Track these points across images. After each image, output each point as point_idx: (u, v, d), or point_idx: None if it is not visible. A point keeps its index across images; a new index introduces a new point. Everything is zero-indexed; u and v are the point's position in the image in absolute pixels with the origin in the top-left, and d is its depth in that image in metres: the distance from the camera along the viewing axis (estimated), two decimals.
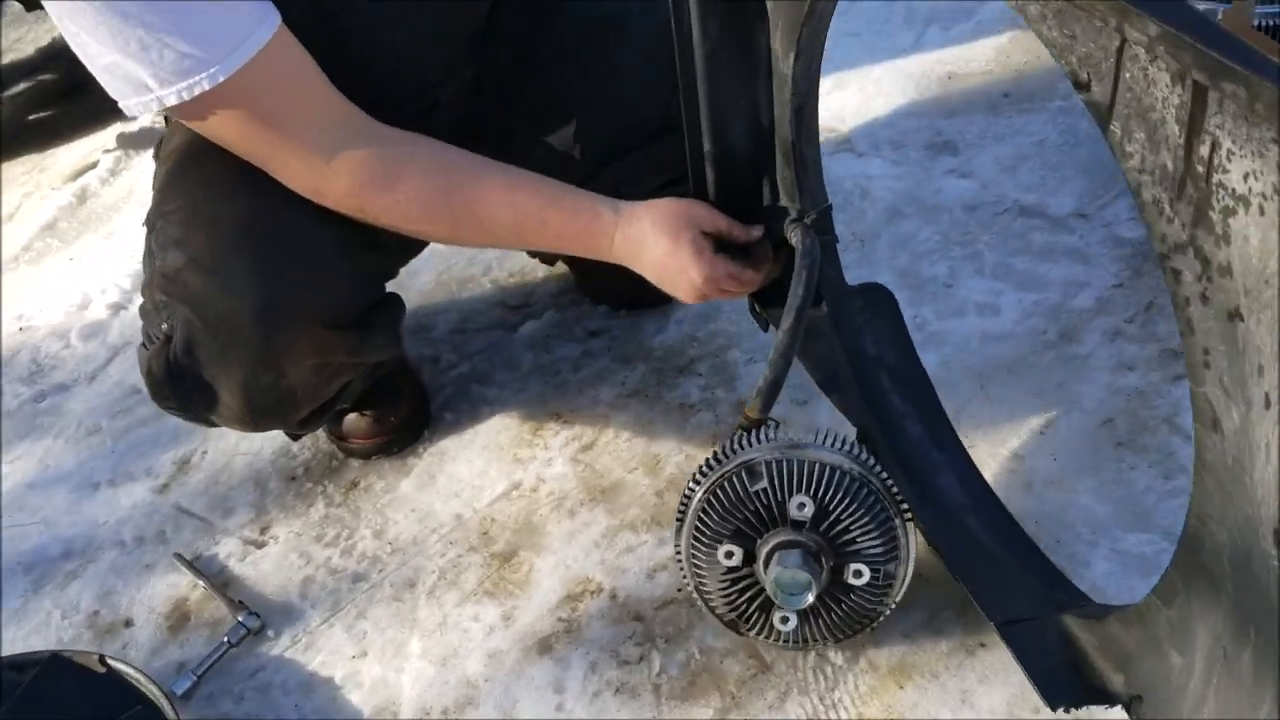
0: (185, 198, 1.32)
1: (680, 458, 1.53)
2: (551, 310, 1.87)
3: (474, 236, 1.33)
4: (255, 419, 1.37)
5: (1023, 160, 1.93)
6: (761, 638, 1.21)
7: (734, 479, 1.14)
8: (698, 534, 1.16)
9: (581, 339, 1.80)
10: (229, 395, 1.33)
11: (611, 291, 1.83)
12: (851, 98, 2.23)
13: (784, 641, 1.20)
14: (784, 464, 1.13)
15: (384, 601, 1.44)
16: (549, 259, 1.87)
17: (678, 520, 1.18)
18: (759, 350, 1.67)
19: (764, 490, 1.13)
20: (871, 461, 1.14)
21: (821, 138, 2.08)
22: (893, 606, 1.17)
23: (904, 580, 1.16)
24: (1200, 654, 0.81)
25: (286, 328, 1.30)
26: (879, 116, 2.14)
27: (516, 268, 2.01)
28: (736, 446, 1.15)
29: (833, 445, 1.14)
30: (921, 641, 1.22)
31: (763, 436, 1.15)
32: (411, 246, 1.49)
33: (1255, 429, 0.66)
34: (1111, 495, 1.32)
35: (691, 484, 1.16)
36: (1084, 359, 1.52)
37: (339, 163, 1.22)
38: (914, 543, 1.15)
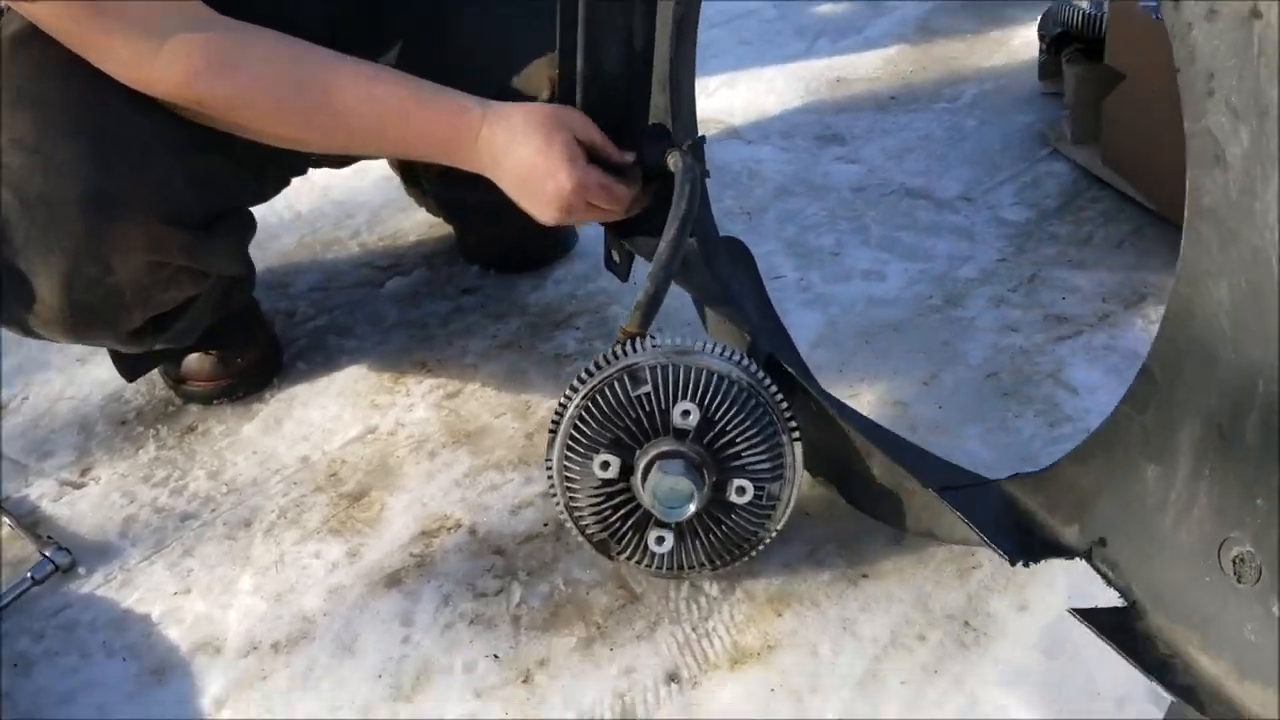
0: (10, 80, 1.19)
1: (554, 403, 1.43)
2: (422, 269, 1.77)
3: (329, 136, 1.21)
4: (77, 320, 1.22)
5: (909, 151, 1.93)
6: (633, 562, 1.11)
7: (615, 384, 1.05)
8: (572, 443, 1.07)
9: (453, 296, 1.70)
10: (48, 290, 1.18)
11: (490, 250, 1.74)
12: (741, 95, 2.21)
13: (657, 566, 1.10)
14: (669, 369, 1.04)
15: (214, 540, 1.30)
16: (419, 188, 1.76)
17: (550, 431, 1.08)
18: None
19: (646, 395, 1.04)
20: (761, 375, 1.07)
21: (710, 127, 2.07)
22: (775, 532, 1.09)
23: (788, 503, 1.08)
24: (1186, 450, 0.74)
25: (116, 215, 1.17)
26: (769, 112, 2.13)
27: (387, 231, 1.90)
28: (619, 352, 1.07)
29: (721, 354, 1.06)
30: (802, 572, 1.14)
31: (646, 345, 1.07)
32: (268, 164, 1.37)
33: (1270, 140, 0.62)
34: (997, 441, 1.28)
35: (568, 392, 1.07)
36: (969, 321, 1.49)
37: (171, 49, 1.10)
38: (800, 464, 1.08)
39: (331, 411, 1.49)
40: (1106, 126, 1.74)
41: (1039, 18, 1.99)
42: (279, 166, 1.42)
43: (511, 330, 1.60)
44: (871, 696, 1.01)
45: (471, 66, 1.28)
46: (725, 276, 1.27)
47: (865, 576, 1.12)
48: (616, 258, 1.33)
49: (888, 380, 1.39)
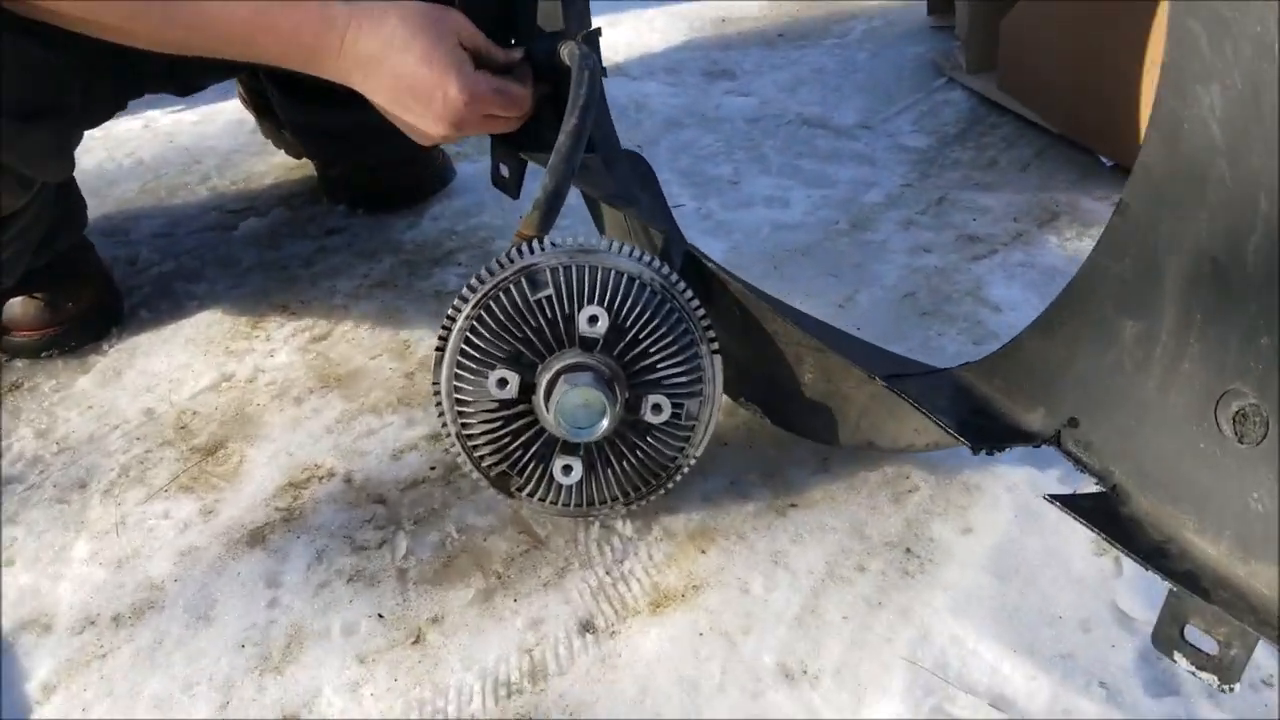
0: None
1: (436, 340, 1.29)
2: (281, 209, 1.60)
3: (162, 29, 0.99)
4: None
5: (802, 83, 1.84)
6: (536, 499, 0.98)
7: (511, 289, 0.92)
8: (464, 360, 0.93)
9: (316, 236, 1.53)
10: None
11: (357, 185, 1.58)
12: (624, 34, 2.09)
13: (564, 502, 0.97)
14: (573, 270, 0.92)
15: (43, 504, 1.11)
16: (274, 120, 1.58)
17: (438, 349, 0.94)
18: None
19: (548, 300, 0.91)
20: (675, 278, 0.95)
21: None
22: (694, 459, 0.98)
23: (708, 424, 0.97)
24: (1173, 295, 0.64)
25: None
26: (654, 50, 2.02)
27: (240, 175, 1.72)
28: (514, 255, 0.93)
29: (631, 254, 0.94)
30: (724, 505, 1.02)
31: (545, 246, 0.94)
32: (97, 75, 1.18)
33: None
34: (921, 359, 1.18)
35: (456, 302, 0.94)
36: (880, 244, 1.40)
37: None
38: (720, 379, 0.96)
39: (180, 360, 1.31)
40: (1003, 51, 1.68)
41: None
42: (113, 77, 1.23)
43: (385, 269, 1.45)
44: (811, 634, 0.90)
45: None
46: (628, 182, 1.15)
47: (794, 506, 1.01)
48: (505, 171, 1.20)
49: (799, 304, 1.28)
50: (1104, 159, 1.51)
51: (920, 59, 1.87)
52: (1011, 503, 0.99)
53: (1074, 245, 1.36)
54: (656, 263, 0.95)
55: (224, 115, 1.89)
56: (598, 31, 1.10)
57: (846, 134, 1.66)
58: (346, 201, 1.59)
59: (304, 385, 1.24)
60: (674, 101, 1.80)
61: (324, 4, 1.00)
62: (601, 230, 1.21)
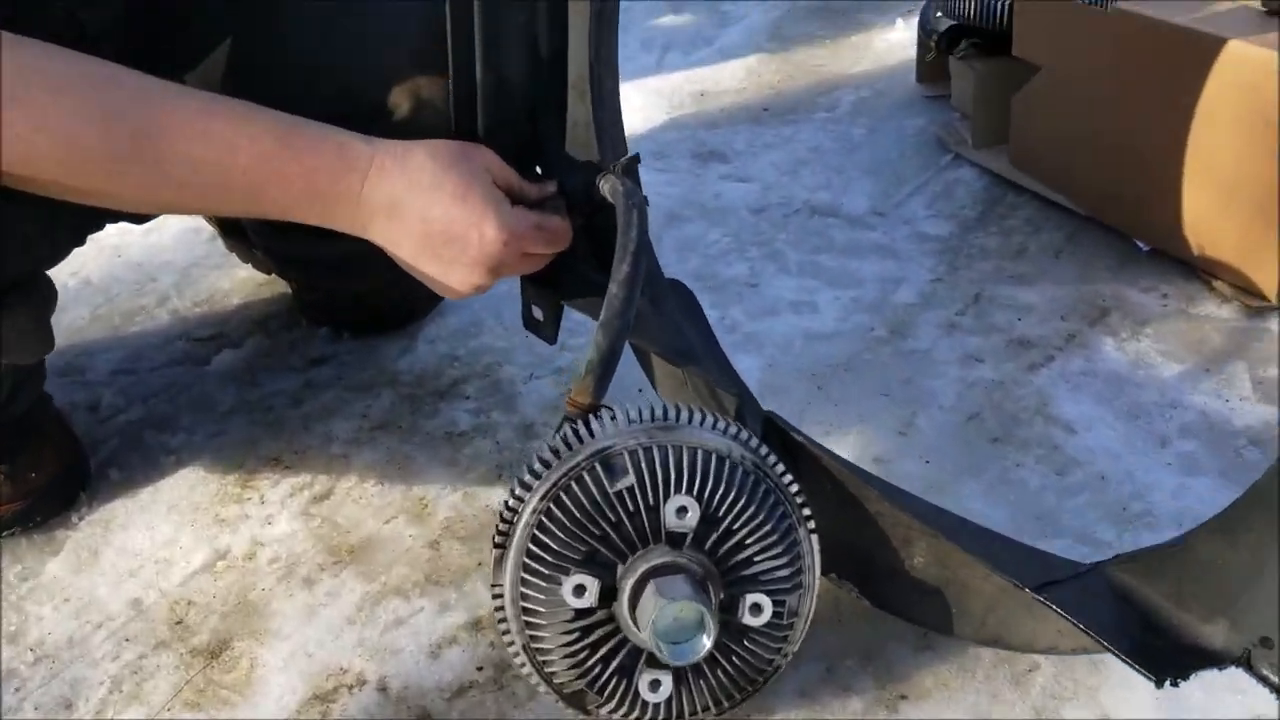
0: None
1: (456, 497, 1.16)
2: (257, 336, 1.45)
3: (150, 189, 0.86)
4: None
5: (801, 165, 1.74)
6: (618, 716, 0.85)
7: (585, 476, 0.79)
8: (532, 563, 0.80)
9: (301, 368, 1.39)
10: None
11: (340, 307, 1.44)
12: None
13: (650, 718, 0.85)
14: (654, 452, 0.79)
15: None
16: (243, 241, 1.43)
17: (496, 548, 0.82)
18: (541, 364, 1.34)
19: (629, 491, 0.79)
20: (765, 451, 0.83)
21: None
22: (790, 655, 0.86)
23: (807, 617, 0.85)
24: None
25: None
26: (637, 131, 1.90)
27: (203, 294, 1.57)
28: (579, 433, 0.81)
29: (715, 426, 0.82)
30: (825, 700, 0.91)
31: (616, 421, 0.82)
32: (59, 217, 1.04)
33: None
34: (1004, 498, 1.08)
35: (517, 490, 0.81)
36: (925, 354, 1.30)
37: None
38: (818, 563, 0.85)
39: (163, 533, 1.16)
40: (1015, 126, 1.60)
41: (919, 13, 1.84)
42: (72, 218, 1.08)
43: (384, 407, 1.31)
44: None
45: (305, 71, 1.00)
46: (679, 327, 1.03)
47: (904, 698, 0.90)
48: (539, 315, 1.07)
49: (856, 432, 1.18)
50: (1139, 244, 1.43)
51: (921, 133, 1.79)
52: (1145, 682, 0.88)
53: (1133, 347, 1.27)
54: (744, 434, 0.83)
55: (175, 223, 1.74)
56: (637, 159, 0.98)
57: (861, 223, 1.56)
58: (329, 324, 1.45)
59: (312, 561, 1.10)
60: (670, 191, 1.69)
61: (340, 142, 0.87)
62: (653, 382, 1.09)
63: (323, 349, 1.42)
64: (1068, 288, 1.39)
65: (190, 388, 1.37)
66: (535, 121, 0.99)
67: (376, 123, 0.96)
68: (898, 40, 2.14)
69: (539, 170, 1.01)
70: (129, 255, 1.67)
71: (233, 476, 1.22)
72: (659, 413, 0.82)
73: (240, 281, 1.58)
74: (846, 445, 1.17)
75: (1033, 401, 1.21)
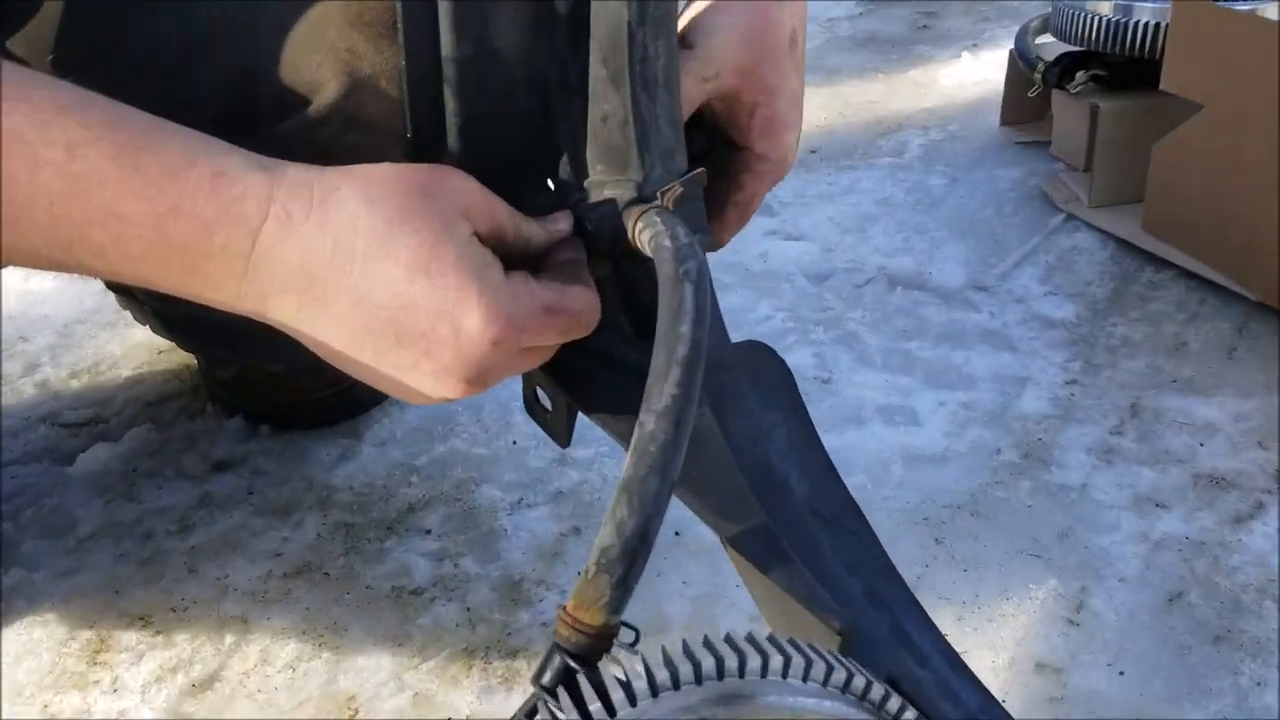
0: None
1: (401, 700, 0.77)
2: (143, 424, 1.06)
3: None
4: None
5: (869, 222, 1.37)
6: None
7: None
8: None
9: (197, 476, 1.00)
10: None
11: (256, 391, 1.05)
12: None
13: None
14: None
15: None
16: (134, 298, 1.05)
17: None
18: (533, 485, 0.95)
19: None
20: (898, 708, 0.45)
21: None
22: None
23: None
24: None
25: None
26: None
27: (84, 361, 1.18)
28: (581, 708, 0.42)
29: (814, 680, 0.44)
30: None
31: (633, 676, 0.43)
32: None
33: None
34: None
35: None
36: (1081, 493, 0.92)
37: None
38: None
39: None
40: (1155, 182, 1.24)
41: (1014, 39, 1.49)
42: None
43: (307, 541, 0.91)
44: None
45: (169, 19, 0.61)
46: (758, 443, 0.64)
47: None
48: (547, 403, 0.68)
49: (1003, 617, 0.80)
50: None
51: (1018, 186, 1.42)
52: None
53: None
54: (857, 680, 0.45)
55: None
56: (701, 176, 0.59)
57: (959, 299, 1.19)
58: (243, 412, 1.06)
59: None
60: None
61: (220, 168, 0.49)
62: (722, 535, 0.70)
63: (230, 448, 1.03)
64: (1257, 400, 1.02)
65: (45, 496, 0.98)
66: (541, 116, 0.60)
67: (283, 113, 0.58)
68: (966, 75, 1.79)
69: (550, 184, 0.62)
70: None
71: (78, 643, 0.83)
72: (721, 664, 0.43)
73: (134, 347, 1.19)
74: (993, 635, 0.78)
75: (1255, 576, 0.83)
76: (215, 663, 0.81)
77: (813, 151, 1.58)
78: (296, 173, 0.49)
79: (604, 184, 0.56)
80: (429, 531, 0.91)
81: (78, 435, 1.07)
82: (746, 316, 1.18)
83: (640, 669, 0.43)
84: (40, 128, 0.46)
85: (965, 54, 1.87)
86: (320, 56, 0.59)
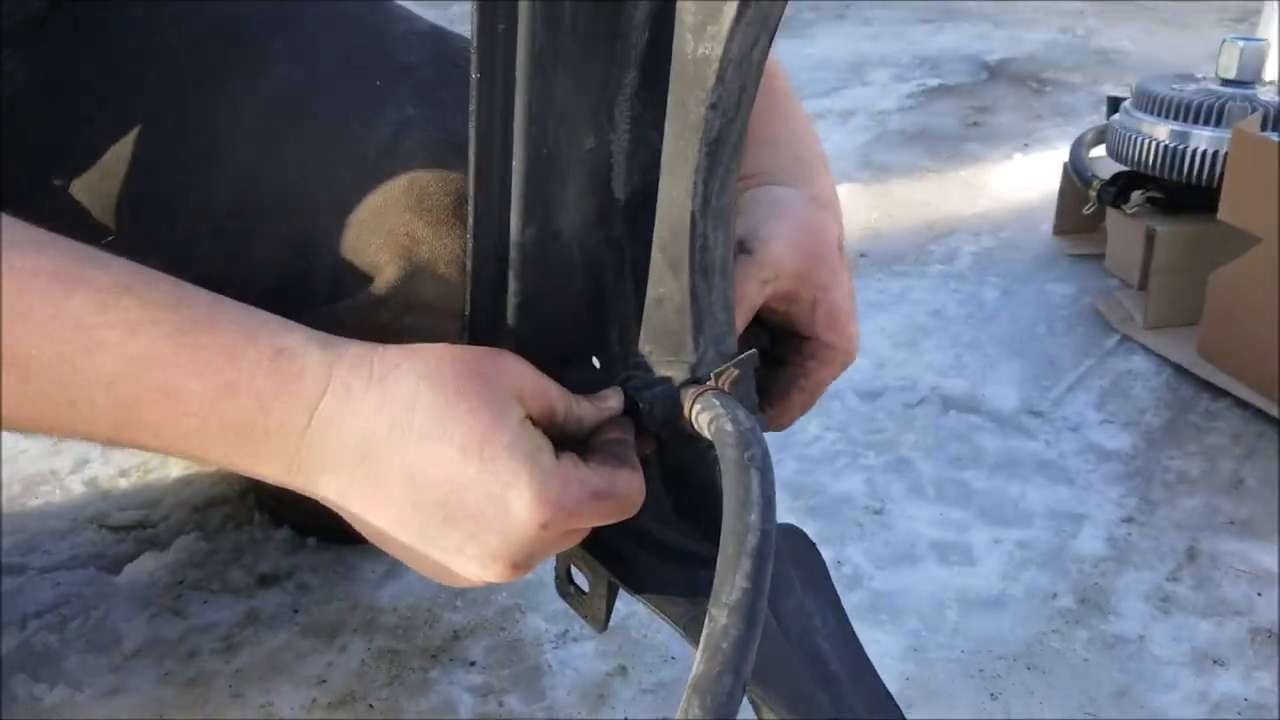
0: None
1: None
2: (191, 535, 1.06)
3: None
4: None
5: (921, 335, 1.36)
6: None
7: None
8: None
9: (242, 591, 1.00)
10: None
11: (301, 503, 1.04)
12: None
13: None
14: None
15: None
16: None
17: None
18: (575, 617, 0.94)
19: None
20: None
21: None
22: None
23: None
24: None
25: None
26: None
27: (133, 460, 1.19)
28: None
29: None
30: None
31: None
32: None
33: None
34: None
35: None
36: (1138, 646, 0.90)
37: None
38: None
39: None
40: (1212, 310, 1.23)
41: (1069, 152, 1.49)
42: None
43: (351, 668, 0.91)
44: None
45: (235, 193, 0.62)
46: (807, 636, 0.63)
47: None
48: (582, 583, 0.67)
49: None
50: None
51: (1072, 303, 1.41)
52: None
53: None
54: None
55: None
56: (751, 358, 0.59)
57: (1013, 425, 1.18)
58: (291, 524, 1.06)
59: None
60: None
61: (282, 345, 0.49)
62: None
63: (277, 561, 1.03)
64: None
65: (90, 608, 0.98)
66: (596, 296, 0.60)
67: (340, 292, 0.59)
68: (1018, 178, 1.79)
69: (595, 362, 0.61)
70: None
71: None
72: None
73: None
74: None
75: None
76: None
77: (862, 255, 1.58)
78: (356, 349, 0.50)
79: (655, 364, 0.56)
80: (473, 663, 0.90)
81: (124, 540, 1.07)
82: (797, 438, 1.17)
83: None
84: (100, 310, 0.47)
85: (1017, 154, 1.87)
86: (380, 240, 0.60)
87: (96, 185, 0.68)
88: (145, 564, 1.02)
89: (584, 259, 0.58)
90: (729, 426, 0.52)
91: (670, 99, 0.51)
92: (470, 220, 0.54)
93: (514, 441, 0.49)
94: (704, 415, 0.54)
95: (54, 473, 1.17)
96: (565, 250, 0.57)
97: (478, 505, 0.49)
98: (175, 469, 1.17)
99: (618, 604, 0.95)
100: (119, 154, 0.68)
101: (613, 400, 0.56)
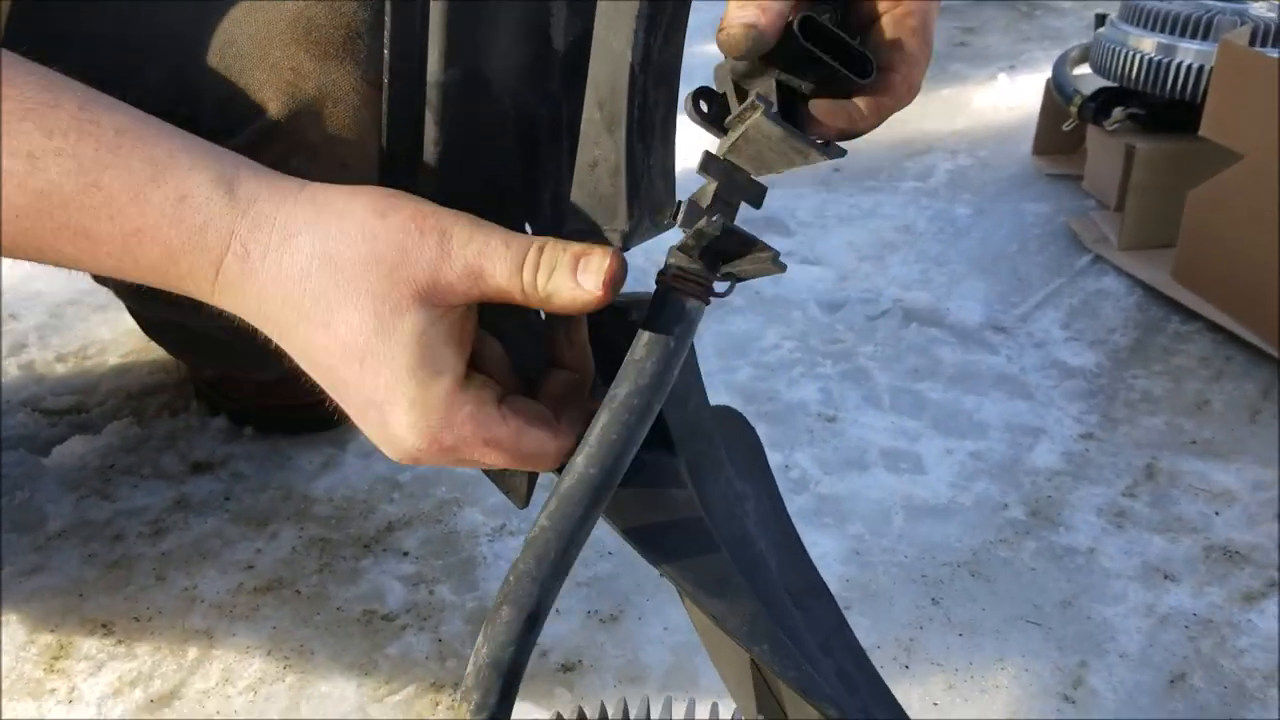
0: None
1: (366, 716, 0.74)
2: (125, 420, 1.03)
3: None
4: None
5: (888, 250, 1.33)
6: None
7: None
8: None
9: (175, 477, 0.97)
10: None
11: (244, 392, 1.02)
12: None
13: None
14: None
15: None
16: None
17: None
18: (514, 512, 0.92)
19: None
20: None
21: None
22: None
23: None
24: None
25: None
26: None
27: (72, 344, 1.15)
28: None
29: None
30: None
31: None
32: None
33: None
34: None
35: None
36: (1088, 558, 0.88)
37: None
38: None
39: None
40: (1188, 230, 1.20)
41: (1052, 68, 1.44)
42: None
43: (281, 554, 0.88)
44: None
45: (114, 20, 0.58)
46: (728, 506, 0.60)
47: None
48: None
49: (995, 689, 0.76)
50: None
51: (1046, 222, 1.38)
52: None
53: None
54: None
55: None
56: (723, 223, 0.54)
57: (975, 339, 1.15)
58: (228, 412, 1.03)
59: None
60: None
61: (185, 191, 0.45)
62: (701, 633, 0.66)
63: (212, 449, 1.00)
64: (1277, 469, 0.97)
65: (17, 488, 0.95)
66: (529, 155, 0.56)
67: (228, 130, 0.54)
68: (1001, 99, 1.75)
69: (527, 228, 0.57)
70: None
71: (37, 647, 0.80)
72: None
73: (124, 333, 1.16)
74: (981, 711, 0.74)
75: (1261, 660, 0.79)
76: (176, 679, 0.78)
77: (836, 170, 1.54)
78: (263, 202, 0.46)
79: (587, 233, 0.52)
80: (406, 553, 0.88)
81: (57, 424, 1.04)
82: (754, 342, 1.14)
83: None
84: (6, 134, 0.43)
85: (1002, 75, 1.82)
86: (264, 74, 0.55)
87: None
88: (75, 447, 0.99)
89: (516, 113, 0.54)
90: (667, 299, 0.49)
91: None
92: (385, 50, 0.51)
93: (397, 356, 0.44)
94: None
95: None
96: (495, 102, 0.53)
97: (359, 406, 0.45)
98: (113, 356, 1.14)
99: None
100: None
101: (597, 272, 0.48)
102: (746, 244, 0.48)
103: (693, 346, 0.52)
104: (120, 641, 0.81)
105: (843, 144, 0.51)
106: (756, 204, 0.51)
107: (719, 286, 0.50)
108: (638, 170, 0.51)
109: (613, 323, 0.52)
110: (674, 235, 0.50)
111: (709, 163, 0.48)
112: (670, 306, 0.48)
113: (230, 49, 0.55)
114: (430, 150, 0.52)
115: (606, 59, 0.50)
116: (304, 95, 0.54)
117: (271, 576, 0.86)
